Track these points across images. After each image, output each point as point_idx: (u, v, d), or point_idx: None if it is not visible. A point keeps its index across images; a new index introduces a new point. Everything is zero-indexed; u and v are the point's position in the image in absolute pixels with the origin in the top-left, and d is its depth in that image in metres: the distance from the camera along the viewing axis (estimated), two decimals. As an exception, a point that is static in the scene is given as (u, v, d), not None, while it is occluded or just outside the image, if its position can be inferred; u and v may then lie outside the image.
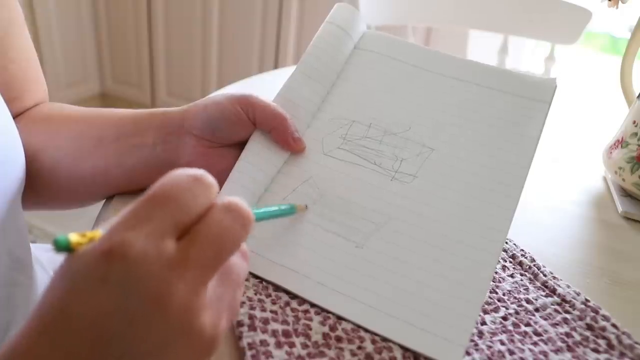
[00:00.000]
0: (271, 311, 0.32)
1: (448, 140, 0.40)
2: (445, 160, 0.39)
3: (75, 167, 0.42)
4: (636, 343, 0.33)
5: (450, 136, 0.41)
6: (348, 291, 0.34)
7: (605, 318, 0.35)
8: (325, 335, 0.31)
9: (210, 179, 0.25)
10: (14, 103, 0.43)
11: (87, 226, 0.42)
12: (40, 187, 0.43)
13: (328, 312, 0.33)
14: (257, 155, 0.40)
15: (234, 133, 0.40)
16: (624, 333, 0.33)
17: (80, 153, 0.41)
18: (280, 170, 0.41)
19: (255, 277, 0.35)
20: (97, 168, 0.41)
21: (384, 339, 0.32)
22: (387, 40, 0.47)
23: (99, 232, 0.23)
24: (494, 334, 0.33)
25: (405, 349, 0.31)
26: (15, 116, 0.44)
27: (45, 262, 0.54)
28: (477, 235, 0.35)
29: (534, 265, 0.40)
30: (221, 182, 0.39)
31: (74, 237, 0.22)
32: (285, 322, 0.32)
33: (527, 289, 0.37)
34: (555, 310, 0.36)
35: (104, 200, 0.44)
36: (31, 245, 0.54)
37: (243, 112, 0.40)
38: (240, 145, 0.41)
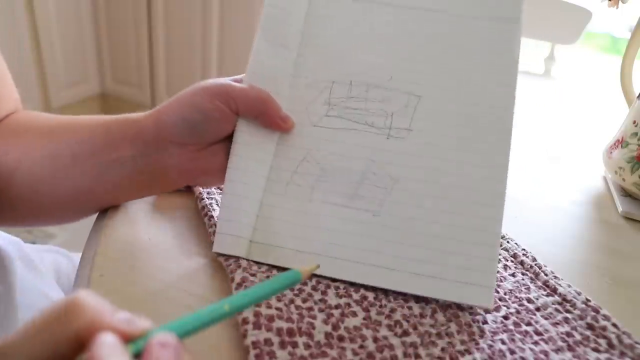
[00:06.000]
0: (276, 308, 0.32)
1: (432, 82, 0.39)
2: (434, 106, 0.39)
3: (54, 188, 0.39)
4: (636, 343, 0.33)
5: (432, 78, 0.39)
6: (372, 260, 0.35)
7: (606, 318, 0.35)
8: (327, 335, 0.31)
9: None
10: None
11: (86, 227, 0.41)
12: (20, 206, 0.40)
13: (331, 309, 0.33)
14: (248, 146, 0.38)
15: (220, 130, 0.38)
16: (624, 333, 0.34)
17: (57, 174, 0.39)
18: (275, 154, 0.39)
19: (263, 272, 0.35)
20: (78, 187, 0.39)
21: (385, 337, 0.32)
22: None
23: None
24: (495, 333, 0.33)
25: (406, 346, 0.31)
26: None
27: (47, 263, 0.54)
28: (480, 176, 0.36)
29: (535, 264, 0.40)
30: (222, 182, 0.38)
31: None
32: (289, 319, 0.32)
33: (528, 289, 0.38)
34: (556, 310, 0.36)
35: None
36: (31, 245, 0.54)
37: (224, 106, 0.37)
38: (229, 137, 0.39)
